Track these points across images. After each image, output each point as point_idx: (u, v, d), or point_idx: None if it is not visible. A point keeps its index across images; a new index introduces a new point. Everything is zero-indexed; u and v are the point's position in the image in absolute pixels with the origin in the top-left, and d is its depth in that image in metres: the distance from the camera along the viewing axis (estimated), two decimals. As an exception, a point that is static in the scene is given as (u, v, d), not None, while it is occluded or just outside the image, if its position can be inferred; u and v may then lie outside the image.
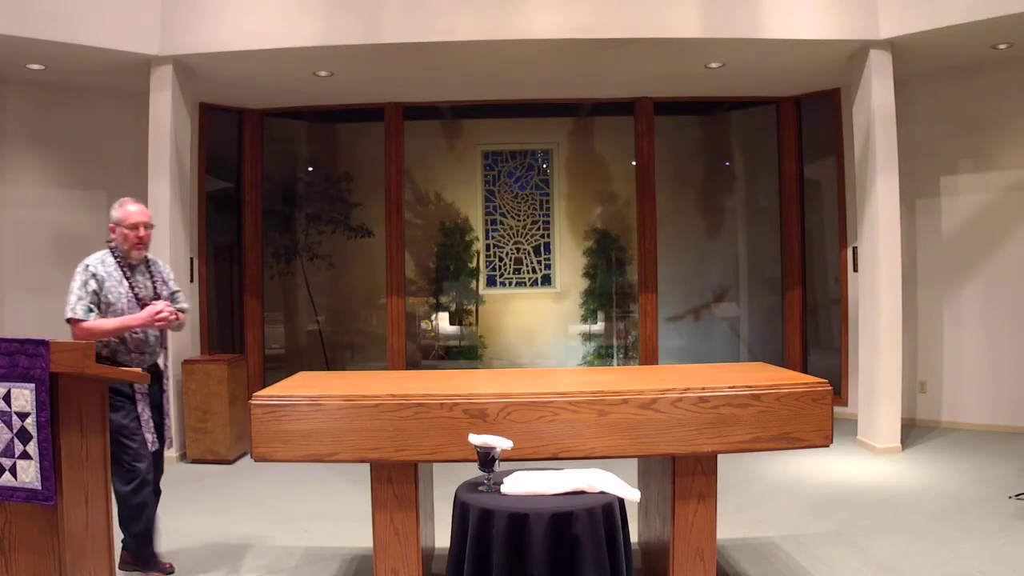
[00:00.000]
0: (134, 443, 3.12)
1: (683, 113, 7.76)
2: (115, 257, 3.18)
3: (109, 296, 3.10)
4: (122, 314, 3.10)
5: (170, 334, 3.44)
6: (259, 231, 7.00)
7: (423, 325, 7.85)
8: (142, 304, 3.16)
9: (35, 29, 4.86)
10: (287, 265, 7.55)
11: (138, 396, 3.15)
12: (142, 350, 3.19)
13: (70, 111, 5.99)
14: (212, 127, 6.63)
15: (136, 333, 3.15)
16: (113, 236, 3.20)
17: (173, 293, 3.39)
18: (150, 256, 3.33)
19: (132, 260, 3.20)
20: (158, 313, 3.12)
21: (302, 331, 7.85)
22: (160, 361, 3.34)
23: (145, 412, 3.15)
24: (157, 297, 3.24)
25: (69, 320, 3.04)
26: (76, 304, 3.03)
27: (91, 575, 2.28)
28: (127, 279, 3.16)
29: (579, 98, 7.06)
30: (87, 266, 3.11)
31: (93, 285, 3.07)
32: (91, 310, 3.04)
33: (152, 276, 3.29)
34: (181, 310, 3.39)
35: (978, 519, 3.82)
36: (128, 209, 3.18)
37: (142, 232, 3.18)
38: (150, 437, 3.15)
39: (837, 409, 6.14)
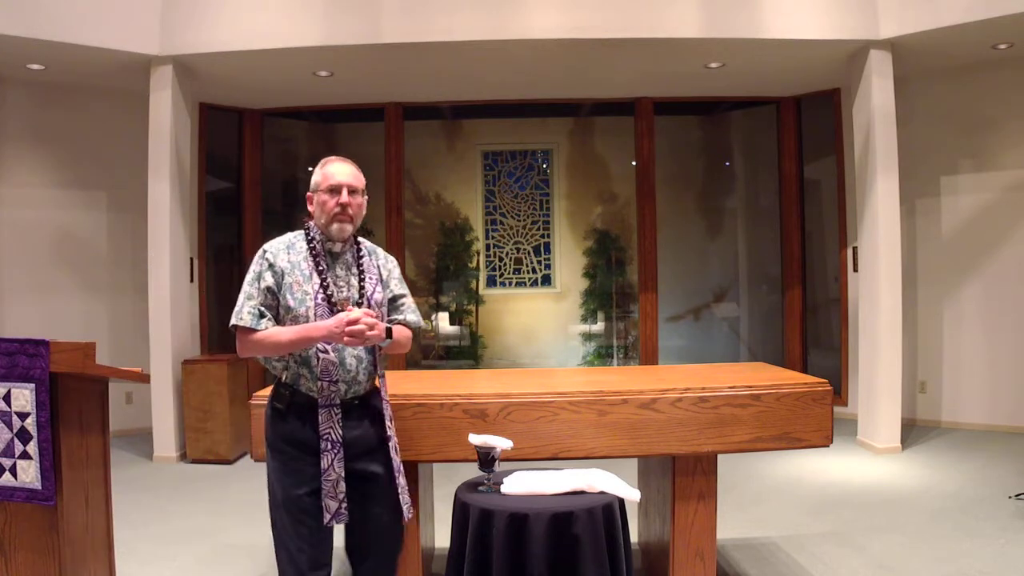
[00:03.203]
0: (307, 532, 2.14)
1: (683, 113, 7.76)
2: (309, 241, 2.24)
3: (288, 297, 2.16)
4: (307, 322, 2.13)
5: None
6: (259, 231, 7.00)
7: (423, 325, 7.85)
8: (338, 310, 2.15)
9: (35, 29, 4.86)
10: (287, 265, 7.55)
11: (324, 444, 2.11)
12: (332, 376, 2.14)
13: (70, 111, 5.99)
14: (212, 127, 6.63)
15: (324, 351, 2.13)
16: (310, 208, 2.27)
17: (396, 299, 2.35)
18: (366, 244, 2.36)
19: (333, 238, 2.22)
20: (350, 323, 2.05)
21: (302, 331, 7.86)
22: (377, 395, 2.27)
23: (334, 471, 2.11)
24: (362, 302, 2.22)
25: (234, 327, 2.19)
26: (243, 307, 2.16)
27: (91, 575, 2.28)
28: (319, 273, 2.19)
29: (579, 98, 7.06)
30: (264, 252, 2.21)
31: (268, 280, 2.17)
32: (262, 315, 2.15)
33: (362, 271, 2.26)
34: (404, 323, 2.34)
35: (978, 519, 3.82)
36: (329, 168, 2.23)
37: (345, 197, 2.19)
38: (333, 505, 2.11)
39: (837, 409, 6.14)
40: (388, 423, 2.24)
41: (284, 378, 2.18)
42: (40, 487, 2.12)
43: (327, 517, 2.12)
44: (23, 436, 2.11)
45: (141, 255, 5.65)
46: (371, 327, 2.07)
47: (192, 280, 6.10)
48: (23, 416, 2.11)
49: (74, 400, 2.22)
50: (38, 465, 2.11)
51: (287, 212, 7.69)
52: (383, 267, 2.35)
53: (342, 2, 5.22)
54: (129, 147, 5.98)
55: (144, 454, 5.50)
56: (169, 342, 5.37)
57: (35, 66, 5.47)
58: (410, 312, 2.37)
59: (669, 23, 5.20)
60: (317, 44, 5.22)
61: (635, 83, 6.47)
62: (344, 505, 2.13)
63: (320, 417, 2.12)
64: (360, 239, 2.34)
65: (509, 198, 7.82)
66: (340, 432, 2.13)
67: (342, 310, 2.13)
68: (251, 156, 6.94)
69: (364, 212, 2.29)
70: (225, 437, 5.31)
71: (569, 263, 7.79)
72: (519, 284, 7.79)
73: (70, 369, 2.13)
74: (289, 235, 2.27)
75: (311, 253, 2.21)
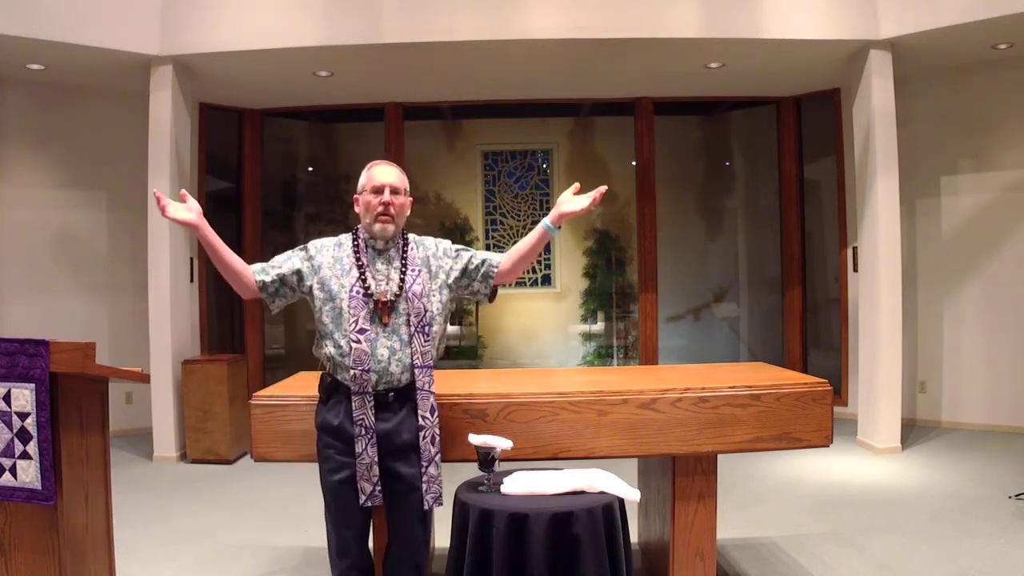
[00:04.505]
0: (336, 519, 2.30)
1: (683, 113, 7.75)
2: (355, 240, 2.40)
3: (330, 286, 2.32)
4: (342, 313, 2.28)
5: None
6: (259, 231, 7.00)
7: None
8: (375, 302, 2.28)
9: (35, 29, 4.86)
10: (287, 265, 7.54)
11: (358, 431, 2.23)
12: (365, 364, 2.24)
13: (70, 111, 5.99)
14: (212, 127, 6.63)
15: (357, 341, 2.24)
16: (357, 209, 2.42)
17: (467, 266, 2.47)
18: (414, 237, 2.48)
19: (376, 237, 2.36)
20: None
21: (302, 331, 7.86)
22: (422, 381, 2.30)
23: (367, 455, 2.22)
24: (400, 294, 2.31)
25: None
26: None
27: (91, 575, 2.28)
28: (358, 267, 2.33)
29: (579, 98, 7.06)
30: (310, 244, 2.44)
31: (297, 264, 2.38)
32: (265, 272, 2.41)
33: (405, 265, 2.37)
34: (490, 268, 2.45)
35: (978, 519, 3.82)
36: (373, 170, 2.38)
37: (387, 196, 2.33)
38: (367, 487, 2.23)
39: (837, 409, 6.13)
40: (425, 414, 2.29)
41: (327, 368, 2.34)
42: (40, 487, 2.12)
43: (362, 498, 2.24)
44: (23, 436, 2.11)
45: (141, 255, 5.65)
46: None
47: (192, 280, 6.10)
48: (23, 416, 2.11)
49: (74, 400, 2.22)
50: (38, 465, 2.11)
51: (287, 212, 7.69)
52: (433, 256, 2.45)
53: (342, 2, 5.21)
54: (129, 147, 5.98)
55: (144, 454, 5.50)
56: (169, 342, 5.37)
57: (35, 66, 5.47)
58: (485, 255, 2.49)
59: (669, 23, 5.20)
60: (317, 44, 5.22)
61: (635, 83, 6.47)
62: (378, 488, 2.24)
63: (354, 404, 2.24)
64: (409, 235, 2.46)
65: (509, 198, 7.82)
66: (373, 420, 2.24)
67: (380, 301, 2.28)
68: (251, 156, 6.94)
69: (407, 212, 2.42)
70: (225, 437, 5.31)
71: (569, 263, 7.79)
72: (519, 284, 7.79)
73: (70, 369, 2.13)
74: (341, 236, 2.45)
75: (354, 250, 2.36)
